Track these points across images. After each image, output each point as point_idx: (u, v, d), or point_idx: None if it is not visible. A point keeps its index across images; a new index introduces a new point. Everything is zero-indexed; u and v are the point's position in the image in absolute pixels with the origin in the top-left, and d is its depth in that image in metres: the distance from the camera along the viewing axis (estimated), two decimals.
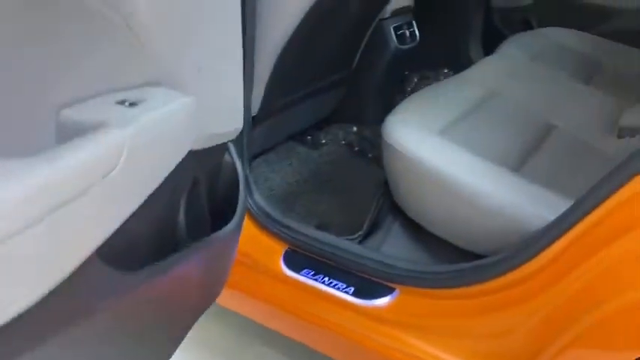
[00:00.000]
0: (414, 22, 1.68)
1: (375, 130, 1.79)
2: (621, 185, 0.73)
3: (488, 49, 2.20)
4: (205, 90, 0.75)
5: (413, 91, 2.03)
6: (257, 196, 1.15)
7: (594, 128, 1.35)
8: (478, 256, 0.95)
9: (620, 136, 1.32)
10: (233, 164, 0.94)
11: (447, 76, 2.30)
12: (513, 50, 1.68)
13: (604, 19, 1.96)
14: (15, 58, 0.48)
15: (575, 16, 1.99)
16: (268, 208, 1.16)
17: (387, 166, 1.16)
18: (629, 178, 0.73)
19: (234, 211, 0.92)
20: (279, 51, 1.18)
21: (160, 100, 0.62)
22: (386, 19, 1.58)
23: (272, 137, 1.57)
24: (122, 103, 0.58)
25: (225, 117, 0.85)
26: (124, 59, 0.60)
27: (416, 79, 2.10)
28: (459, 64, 2.27)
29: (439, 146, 1.08)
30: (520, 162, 1.14)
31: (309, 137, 1.77)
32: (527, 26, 2.12)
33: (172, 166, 0.65)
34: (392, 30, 1.59)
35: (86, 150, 0.46)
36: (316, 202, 1.51)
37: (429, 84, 2.23)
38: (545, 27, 1.98)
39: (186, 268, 0.74)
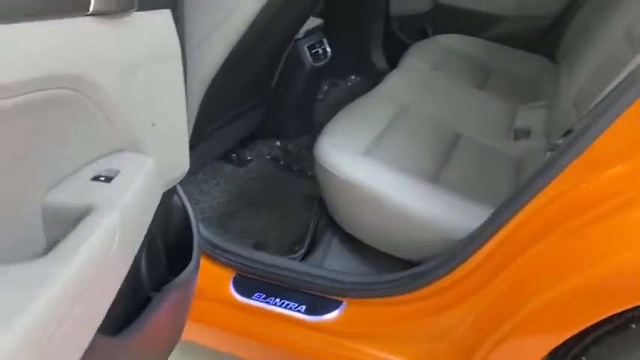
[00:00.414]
0: (324, 39, 1.77)
1: (298, 143, 1.88)
2: (538, 193, 0.87)
3: (389, 54, 2.36)
4: (159, 142, 0.80)
5: (325, 97, 2.14)
6: (201, 228, 1.19)
7: (494, 132, 1.52)
8: (415, 264, 1.06)
9: (516, 138, 1.51)
10: (183, 205, 0.98)
11: (353, 82, 2.44)
12: (415, 62, 1.83)
13: (491, 25, 2.17)
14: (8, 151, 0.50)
15: (465, 22, 2.18)
16: (213, 238, 1.20)
17: (323, 187, 1.25)
18: (547, 183, 0.86)
19: (187, 250, 0.96)
20: (208, 84, 1.22)
21: (131, 168, 0.65)
22: (300, 39, 1.66)
23: (200, 161, 1.60)
24: (97, 179, 0.62)
25: (176, 162, 0.89)
26: (95, 136, 0.63)
27: (326, 87, 2.21)
28: (363, 69, 2.42)
29: (366, 166, 1.18)
30: (436, 172, 1.27)
31: (233, 155, 1.81)
32: (423, 33, 2.29)
33: (149, 223, 0.69)
34: (306, 49, 1.67)
35: (89, 243, 0.50)
36: (251, 221, 1.56)
37: (338, 90, 2.36)
38: (440, 34, 2.16)
39: (156, 319, 0.78)
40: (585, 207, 0.80)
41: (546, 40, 2.10)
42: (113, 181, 0.61)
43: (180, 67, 0.86)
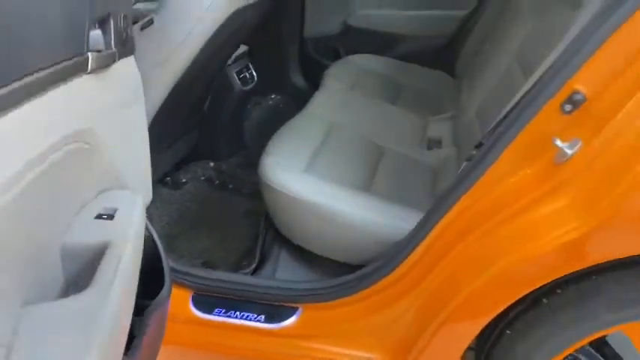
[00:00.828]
0: (250, 64, 1.88)
1: (230, 162, 1.98)
2: (459, 199, 1.04)
3: (307, 73, 2.52)
4: (134, 177, 0.88)
5: (249, 116, 2.24)
6: None
7: (411, 143, 1.72)
8: (360, 267, 1.21)
9: (430, 148, 1.71)
10: (150, 236, 1.05)
11: (274, 100, 2.56)
12: (334, 83, 1.99)
13: (396, 44, 2.40)
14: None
15: (373, 42, 2.39)
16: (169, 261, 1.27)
17: (269, 204, 1.36)
18: (466, 190, 1.03)
19: (157, 279, 1.03)
20: (150, 120, 1.29)
21: (127, 206, 0.74)
22: (229, 65, 1.76)
23: None
24: (100, 217, 0.69)
25: (145, 194, 0.97)
26: (94, 179, 0.70)
27: (249, 106, 2.31)
28: (284, 88, 2.55)
29: (308, 182, 1.31)
30: (368, 182, 1.43)
31: (168, 178, 1.86)
32: (336, 53, 2.47)
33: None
34: (235, 74, 1.77)
35: (120, 274, 0.58)
36: (194, 242, 1.63)
37: (261, 108, 2.48)
38: (352, 53, 2.34)
39: (148, 339, 0.86)
40: (496, 209, 0.99)
41: (444, 57, 2.35)
42: (115, 218, 0.69)
43: (144, 110, 0.94)
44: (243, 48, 1.83)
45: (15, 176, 0.49)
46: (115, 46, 0.78)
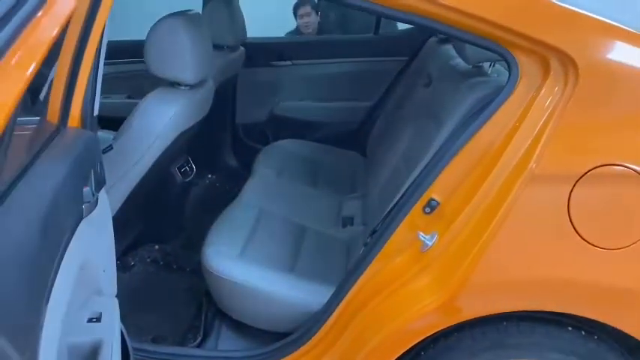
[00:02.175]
0: (189, 158, 2.18)
1: (174, 244, 2.24)
2: (359, 278, 1.37)
3: (238, 154, 2.86)
4: (107, 283, 1.16)
5: (189, 196, 2.51)
6: None
7: (328, 222, 2.06)
8: (290, 334, 1.50)
9: (344, 225, 2.06)
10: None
11: (210, 179, 2.86)
12: (263, 170, 2.33)
13: (316, 129, 2.79)
14: None
15: (296, 128, 2.77)
16: None
17: (210, 286, 1.64)
18: (364, 270, 1.36)
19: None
20: None
21: (110, 310, 1.01)
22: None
23: None
24: (91, 320, 0.97)
25: (113, 291, 1.24)
26: (84, 290, 0.98)
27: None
28: (218, 169, 2.87)
29: (242, 267, 1.61)
30: (293, 262, 1.75)
31: (118, 262, 2.09)
32: (264, 136, 2.84)
33: None
34: (177, 170, 2.07)
35: None
36: (144, 319, 1.87)
37: (198, 188, 2.76)
38: (278, 138, 2.71)
39: None
40: (385, 285, 1.33)
41: (356, 139, 2.76)
42: (102, 320, 0.96)
43: (111, 223, 1.22)
44: None
45: None
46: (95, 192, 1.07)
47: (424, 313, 1.23)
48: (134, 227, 2.03)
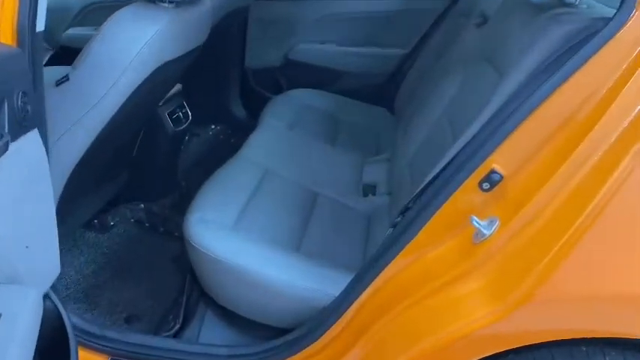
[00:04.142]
0: (184, 102, 1.82)
1: (162, 204, 1.91)
2: (385, 267, 1.02)
3: (248, 103, 2.49)
4: (33, 260, 0.82)
5: (185, 148, 2.17)
6: (69, 312, 1.18)
7: (346, 189, 1.70)
8: (289, 330, 1.17)
9: (365, 194, 1.70)
10: (56, 310, 0.99)
11: (213, 131, 2.51)
12: (273, 121, 1.96)
13: (337, 79, 2.40)
14: None
15: (314, 77, 2.38)
16: (83, 324, 1.20)
17: (194, 264, 1.31)
18: (392, 259, 1.02)
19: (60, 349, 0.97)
20: (70, 172, 1.22)
21: (17, 312, 0.68)
22: (160, 106, 1.70)
23: (66, 236, 1.56)
24: None
25: (49, 271, 0.91)
26: None
27: (187, 137, 2.25)
28: (223, 119, 2.51)
29: (234, 243, 1.26)
30: (299, 238, 1.40)
31: (95, 221, 1.78)
32: (277, 84, 2.45)
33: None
34: (167, 116, 1.71)
35: None
36: (120, 292, 1.56)
37: (199, 140, 2.42)
38: (293, 87, 2.33)
39: None
40: (419, 283, 0.98)
41: (385, 93, 2.37)
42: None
43: (49, 181, 0.88)
44: (176, 88, 1.78)
45: None
46: (10, 131, 0.73)
47: (472, 331, 0.88)
48: (114, 180, 1.70)
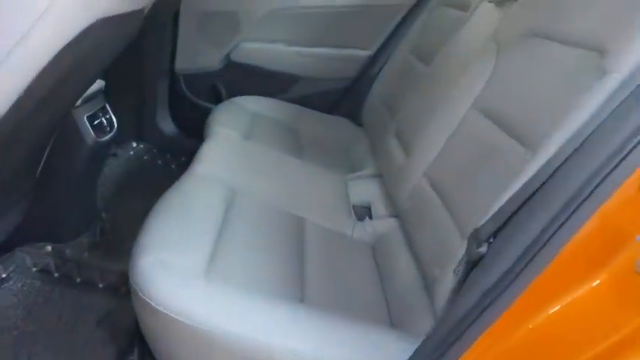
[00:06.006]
0: (107, 105, 1.34)
1: (77, 244, 1.39)
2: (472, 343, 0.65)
3: (178, 116, 2.03)
4: None
5: (103, 172, 1.67)
6: None
7: (335, 213, 1.31)
8: None
9: (360, 218, 1.32)
10: None
11: (135, 150, 2.02)
12: (224, 131, 1.54)
13: (291, 85, 2.01)
14: None
15: (262, 82, 1.98)
16: None
17: (144, 323, 0.85)
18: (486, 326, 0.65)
19: None
20: None
21: None
22: (77, 107, 1.21)
23: None
24: None
25: None
26: None
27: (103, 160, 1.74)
28: (147, 135, 2.03)
29: (210, 297, 0.83)
30: (298, 283, 0.98)
31: None
32: (216, 92, 2.02)
33: None
34: (86, 120, 1.23)
35: None
36: None
37: (118, 162, 1.92)
38: (235, 94, 1.91)
39: None
40: (568, 348, 0.61)
41: (345, 101, 2.02)
42: None
43: None
44: (97, 84, 1.29)
45: None
46: None
47: None
48: (4, 214, 1.17)
